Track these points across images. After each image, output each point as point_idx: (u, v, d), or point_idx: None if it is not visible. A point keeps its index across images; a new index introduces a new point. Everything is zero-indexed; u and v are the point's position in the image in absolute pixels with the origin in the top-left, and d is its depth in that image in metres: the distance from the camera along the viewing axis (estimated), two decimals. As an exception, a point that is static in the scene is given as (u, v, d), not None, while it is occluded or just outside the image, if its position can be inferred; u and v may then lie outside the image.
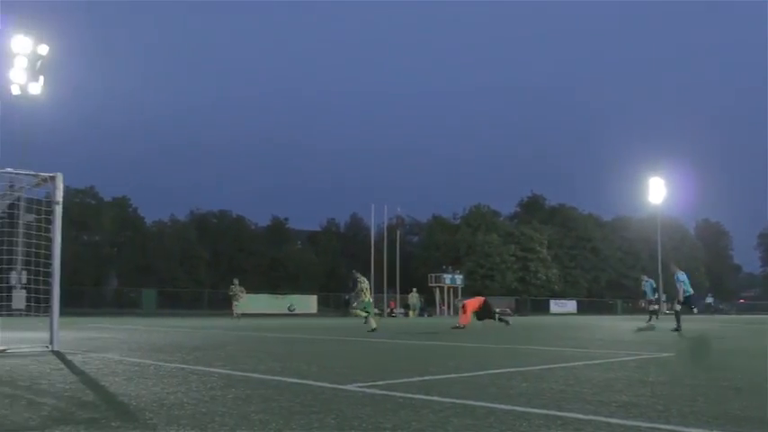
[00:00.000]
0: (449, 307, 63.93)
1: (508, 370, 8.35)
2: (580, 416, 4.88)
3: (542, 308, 78.07)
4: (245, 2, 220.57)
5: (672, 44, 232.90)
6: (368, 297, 22.84)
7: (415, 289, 55.47)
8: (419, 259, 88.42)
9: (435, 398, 5.68)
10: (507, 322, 25.83)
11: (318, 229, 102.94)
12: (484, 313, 25.67)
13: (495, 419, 4.70)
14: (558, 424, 4.58)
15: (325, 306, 64.27)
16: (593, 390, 6.37)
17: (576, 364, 9.52)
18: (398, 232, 70.66)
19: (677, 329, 20.09)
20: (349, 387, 6.41)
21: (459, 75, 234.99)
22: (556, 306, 79.40)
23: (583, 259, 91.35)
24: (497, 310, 29.81)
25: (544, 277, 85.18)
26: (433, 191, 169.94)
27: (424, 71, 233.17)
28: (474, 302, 25.53)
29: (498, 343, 14.86)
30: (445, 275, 65.74)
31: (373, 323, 21.45)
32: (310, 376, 7.39)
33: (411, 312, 52.07)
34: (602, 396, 5.93)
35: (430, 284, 66.27)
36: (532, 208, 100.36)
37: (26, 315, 20.63)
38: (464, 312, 24.21)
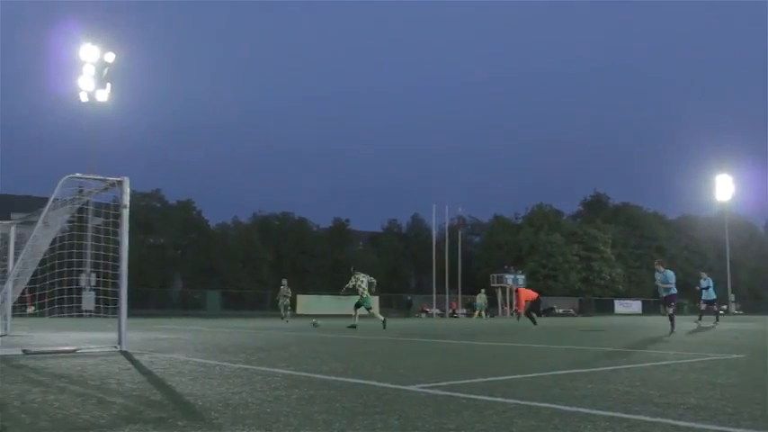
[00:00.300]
0: (511, 307, 63.48)
1: (572, 371, 8.25)
2: (647, 418, 4.79)
3: (607, 308, 77.00)
4: (305, 5, 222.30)
5: (746, 37, 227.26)
6: (366, 294, 23.18)
7: (483, 290, 55.29)
8: (481, 259, 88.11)
9: (499, 399, 5.64)
10: (534, 323, 25.69)
11: (380, 230, 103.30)
12: (533, 307, 26.38)
13: (560, 421, 4.65)
14: (624, 426, 4.50)
15: (388, 307, 64.31)
16: (660, 392, 6.25)
17: (642, 365, 9.37)
18: (460, 232, 70.49)
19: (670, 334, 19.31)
20: (411, 388, 6.41)
21: (521, 69, 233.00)
22: (620, 306, 78.28)
23: (648, 259, 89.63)
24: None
25: (608, 277, 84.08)
26: (494, 191, 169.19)
27: (485, 67, 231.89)
28: (527, 292, 26.11)
29: (561, 343, 14.70)
30: (507, 276, 65.41)
31: (356, 320, 21.93)
32: (373, 377, 7.40)
33: (481, 313, 51.85)
34: (670, 398, 5.81)
35: (492, 285, 65.96)
36: (596, 207, 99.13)
37: (95, 316, 21.14)
38: (518, 299, 24.65)
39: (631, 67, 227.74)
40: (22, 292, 16.81)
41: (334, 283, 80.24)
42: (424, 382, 6.87)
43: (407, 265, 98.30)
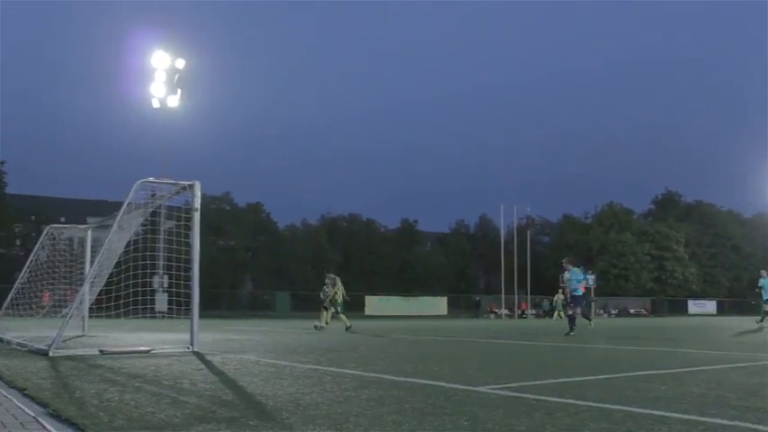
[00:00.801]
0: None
1: (645, 372, 8.10)
2: (724, 421, 4.68)
3: (680, 308, 75.41)
4: (371, 10, 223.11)
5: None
6: (339, 297, 22.94)
7: (560, 290, 54.56)
8: (549, 260, 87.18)
9: (570, 400, 5.57)
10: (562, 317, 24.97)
11: (448, 230, 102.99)
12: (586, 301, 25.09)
13: (633, 423, 4.57)
14: (701, 429, 4.40)
15: (456, 307, 64.15)
16: (738, 394, 6.09)
17: (718, 366, 9.15)
18: (528, 232, 69.75)
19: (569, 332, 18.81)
20: (481, 389, 6.37)
21: (590, 65, 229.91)
22: (694, 306, 76.61)
23: (723, 258, 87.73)
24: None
25: (681, 277, 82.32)
26: (563, 190, 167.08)
27: (552, 64, 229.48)
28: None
29: (633, 344, 14.46)
30: (577, 276, 64.42)
31: (323, 322, 21.80)
32: (442, 378, 7.39)
33: (560, 313, 51.20)
34: (748, 401, 5.66)
35: (560, 285, 65.11)
36: (667, 205, 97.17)
37: (168, 317, 21.55)
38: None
39: (703, 62, 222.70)
40: (99, 294, 17.26)
41: (402, 284, 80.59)
42: (494, 383, 6.83)
43: (475, 266, 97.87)
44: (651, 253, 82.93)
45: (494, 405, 5.38)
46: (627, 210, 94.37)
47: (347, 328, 21.19)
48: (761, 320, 26.88)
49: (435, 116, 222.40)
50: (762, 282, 28.04)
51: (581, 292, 20.67)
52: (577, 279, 20.60)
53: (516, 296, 64.53)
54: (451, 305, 64.77)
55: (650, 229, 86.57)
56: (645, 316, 64.09)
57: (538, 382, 7.02)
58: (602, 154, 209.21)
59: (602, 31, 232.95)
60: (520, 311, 63.51)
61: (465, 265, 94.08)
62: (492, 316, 60.24)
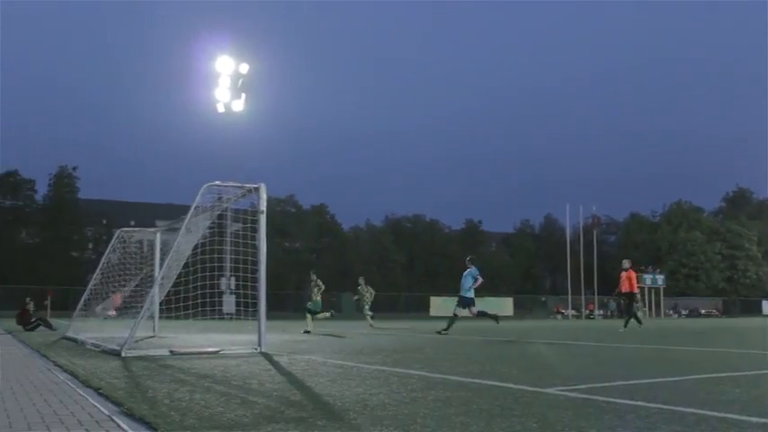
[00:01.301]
0: (650, 308, 61.67)
1: (717, 375, 7.92)
2: (803, 424, 4.55)
3: (753, 309, 73.47)
4: (430, 12, 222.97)
5: None
6: (317, 297, 22.66)
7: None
8: (616, 259, 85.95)
9: (641, 402, 5.47)
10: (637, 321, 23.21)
11: (512, 230, 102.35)
12: (629, 300, 23.98)
13: (707, 426, 4.47)
14: (778, 433, 4.29)
15: (521, 308, 63.63)
16: (816, 396, 5.91)
17: (795, 368, 8.90)
18: (595, 232, 68.76)
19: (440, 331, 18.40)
20: (550, 390, 6.31)
21: (654, 58, 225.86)
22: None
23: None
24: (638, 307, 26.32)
25: (755, 276, 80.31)
26: (630, 188, 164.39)
27: (614, 59, 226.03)
28: (629, 279, 23.83)
29: (703, 345, 14.15)
30: (645, 276, 63.42)
31: (310, 326, 21.49)
32: (510, 379, 7.33)
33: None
34: (827, 403, 5.49)
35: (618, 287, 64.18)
36: (739, 202, 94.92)
37: (236, 318, 21.81)
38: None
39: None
40: (167, 295, 17.58)
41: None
42: (562, 384, 6.75)
43: (541, 266, 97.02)
44: (722, 252, 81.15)
45: (563, 407, 5.32)
46: (696, 208, 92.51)
47: (307, 332, 20.92)
48: None
49: (499, 116, 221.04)
50: None
51: (471, 294, 19.61)
52: (472, 277, 19.72)
53: (583, 296, 63.71)
54: (517, 306, 64.25)
55: (721, 227, 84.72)
56: (716, 317, 62.67)
57: (607, 384, 6.92)
58: (671, 151, 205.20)
59: (664, 26, 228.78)
60: (587, 312, 62.69)
61: (530, 266, 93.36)
62: (559, 316, 59.60)
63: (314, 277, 23.34)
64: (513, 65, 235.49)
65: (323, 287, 23.14)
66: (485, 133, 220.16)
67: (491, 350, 12.86)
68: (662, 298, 64.28)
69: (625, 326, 22.70)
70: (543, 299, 66.52)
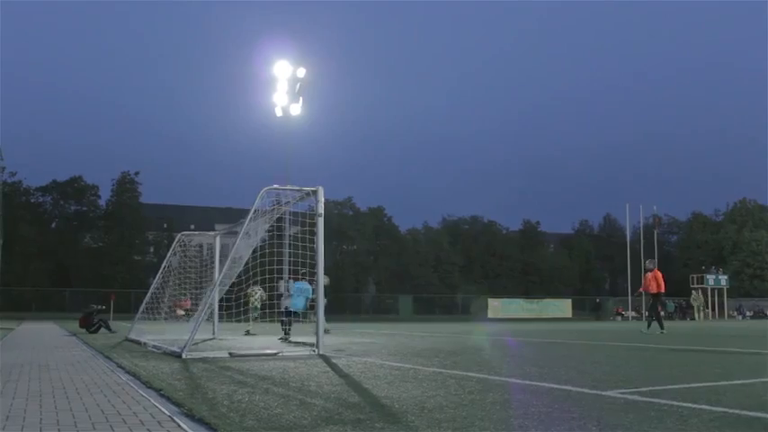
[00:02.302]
0: (713, 310, 60.42)
1: (785, 377, 7.73)
2: None
3: (821, 312, 71.45)
4: (496, 12, 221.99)
5: None
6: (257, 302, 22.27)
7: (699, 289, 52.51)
8: (679, 260, 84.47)
9: (704, 406, 5.36)
10: (660, 326, 21.07)
11: (571, 231, 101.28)
12: (653, 301, 22.27)
13: (774, 431, 4.36)
14: None
15: (581, 310, 62.93)
16: None
17: None
18: (656, 232, 67.62)
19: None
20: (610, 393, 6.22)
21: (713, 57, 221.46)
22: (838, 310, 72.42)
23: None
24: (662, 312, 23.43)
25: (820, 277, 78.07)
26: (692, 187, 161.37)
27: (673, 61, 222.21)
28: (655, 280, 22.42)
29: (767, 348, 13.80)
30: (708, 276, 62.21)
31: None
32: (569, 381, 7.25)
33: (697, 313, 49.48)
34: None
35: (691, 286, 63.10)
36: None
37: (294, 321, 21.88)
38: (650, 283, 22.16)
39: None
40: (227, 300, 17.78)
41: (525, 287, 79.66)
42: (623, 387, 6.65)
43: (600, 267, 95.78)
44: (789, 251, 79.16)
45: (623, 410, 5.24)
46: (762, 206, 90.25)
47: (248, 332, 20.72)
48: None
49: (556, 116, 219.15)
50: None
51: (300, 306, 17.56)
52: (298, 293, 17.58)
53: (643, 298, 62.66)
54: (576, 307, 63.56)
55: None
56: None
57: (669, 387, 6.79)
58: (734, 148, 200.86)
59: (725, 24, 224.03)
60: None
61: (590, 267, 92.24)
62: (619, 318, 58.78)
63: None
64: (571, 64, 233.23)
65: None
66: (542, 134, 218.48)
67: (549, 352, 12.73)
68: (725, 299, 62.93)
69: (648, 326, 22.19)
70: (597, 300, 65.44)
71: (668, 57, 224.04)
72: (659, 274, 22.57)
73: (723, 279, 63.12)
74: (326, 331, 22.00)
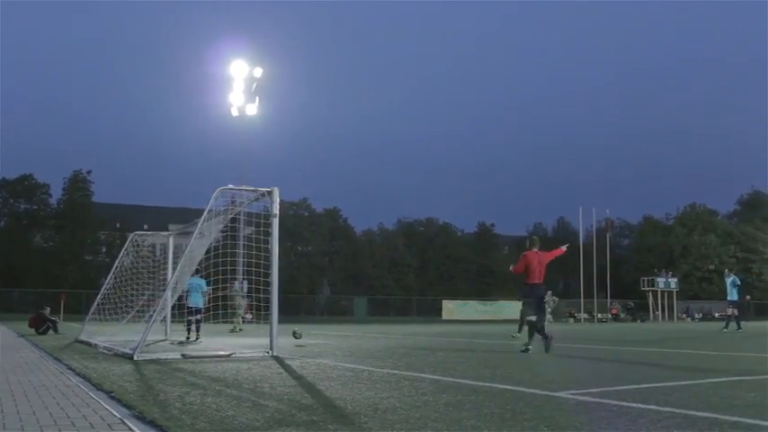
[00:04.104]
0: (663, 311, 61.44)
1: (731, 378, 7.88)
2: (817, 429, 4.51)
3: (767, 313, 72.98)
4: (446, 16, 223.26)
5: None
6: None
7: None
8: (630, 263, 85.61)
9: (653, 406, 5.45)
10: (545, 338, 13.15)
11: (525, 233, 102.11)
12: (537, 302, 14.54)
13: (720, 431, 4.44)
14: (793, 437, 4.25)
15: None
16: (832, 401, 5.86)
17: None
18: (608, 235, 68.49)
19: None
20: (561, 394, 6.29)
21: (665, 63, 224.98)
22: (783, 311, 73.99)
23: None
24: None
25: (769, 279, 79.66)
26: (643, 191, 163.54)
27: (625, 65, 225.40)
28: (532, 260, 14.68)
29: (717, 349, 14.07)
30: (658, 279, 63.24)
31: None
32: (521, 383, 7.32)
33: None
34: (842, 408, 5.44)
35: (642, 289, 64.05)
36: (754, 205, 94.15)
37: (248, 322, 21.78)
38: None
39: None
40: (180, 299, 17.62)
41: (480, 288, 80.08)
42: (574, 388, 6.73)
43: (554, 270, 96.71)
44: (737, 255, 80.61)
45: (574, 411, 5.30)
46: (710, 210, 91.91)
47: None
48: (725, 327, 24.51)
49: (512, 119, 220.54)
50: (728, 281, 25.83)
51: (199, 303, 17.60)
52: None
53: (596, 300, 63.47)
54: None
55: (735, 230, 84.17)
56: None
57: (619, 388, 6.89)
58: (685, 154, 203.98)
59: (675, 27, 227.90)
60: (612, 315, 62.51)
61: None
62: (571, 320, 59.41)
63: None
64: (525, 69, 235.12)
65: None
66: (497, 137, 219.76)
67: (502, 354, 12.82)
68: (675, 301, 63.98)
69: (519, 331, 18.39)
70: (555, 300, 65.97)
71: (621, 61, 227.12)
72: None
73: (673, 282, 64.15)
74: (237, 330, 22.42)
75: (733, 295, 25.07)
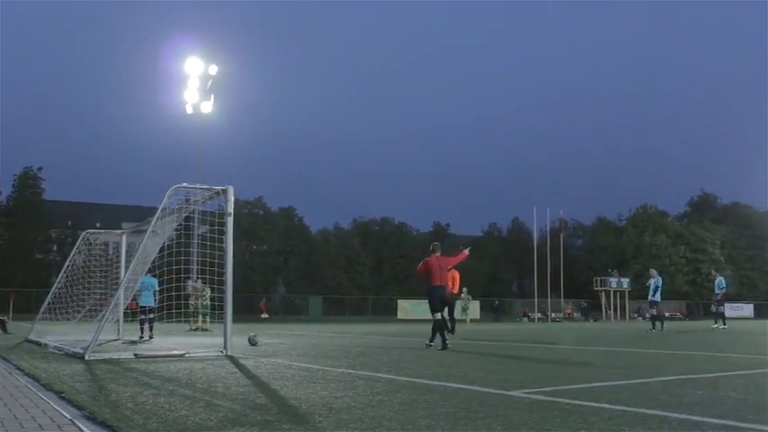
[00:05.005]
0: (615, 311, 62.28)
1: (680, 377, 8.01)
2: (763, 427, 4.60)
3: (716, 312, 74.31)
4: (413, 17, 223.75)
5: None
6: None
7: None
8: (583, 263, 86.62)
9: (605, 405, 5.52)
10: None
11: (480, 233, 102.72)
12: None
13: (669, 429, 4.52)
14: (739, 435, 4.34)
15: (488, 311, 63.85)
16: (777, 399, 5.99)
17: (756, 371, 9.02)
18: (562, 236, 69.22)
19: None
20: (515, 393, 6.34)
21: (618, 69, 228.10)
22: (730, 310, 75.05)
23: (760, 260, 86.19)
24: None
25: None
26: (596, 192, 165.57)
27: (579, 68, 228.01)
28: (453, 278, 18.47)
29: (667, 348, 14.30)
30: (611, 279, 64.14)
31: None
32: (475, 382, 7.37)
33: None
34: (787, 405, 5.57)
35: (595, 288, 64.83)
36: (703, 207, 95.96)
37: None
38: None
39: (743, 57, 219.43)
40: (132, 299, 17.43)
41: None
42: (528, 387, 6.80)
43: (508, 269, 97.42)
44: (686, 256, 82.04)
45: (528, 410, 5.35)
46: (661, 212, 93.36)
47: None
48: (652, 329, 23.98)
49: (467, 121, 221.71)
50: (651, 282, 25.81)
51: (151, 301, 18.03)
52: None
53: (549, 300, 64.11)
54: (484, 309, 64.39)
55: (685, 231, 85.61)
56: (680, 319, 63.33)
57: (572, 387, 6.97)
58: (636, 156, 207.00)
59: (630, 32, 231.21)
60: (566, 315, 63.18)
61: (498, 269, 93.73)
62: (525, 320, 59.95)
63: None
64: (481, 70, 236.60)
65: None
66: (453, 137, 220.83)
67: (457, 353, 12.89)
68: (627, 301, 64.89)
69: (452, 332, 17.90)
70: (496, 303, 66.32)
71: (574, 63, 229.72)
72: (456, 275, 19.31)
73: (625, 282, 65.05)
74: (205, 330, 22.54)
75: (655, 296, 25.31)
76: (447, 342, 13.79)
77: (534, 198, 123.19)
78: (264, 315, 55.67)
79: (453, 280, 18.55)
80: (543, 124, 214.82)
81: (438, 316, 14.02)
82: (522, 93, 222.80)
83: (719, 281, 27.95)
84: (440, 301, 14.23)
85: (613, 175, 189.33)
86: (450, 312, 17.67)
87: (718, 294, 27.68)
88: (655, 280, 25.46)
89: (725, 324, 26.66)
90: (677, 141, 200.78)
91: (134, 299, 17.75)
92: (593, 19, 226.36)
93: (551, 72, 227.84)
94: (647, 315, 24.67)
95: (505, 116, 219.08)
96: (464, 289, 26.97)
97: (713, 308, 28.02)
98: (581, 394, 6.24)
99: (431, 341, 14.22)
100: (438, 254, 14.60)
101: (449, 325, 16.78)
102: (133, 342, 15.77)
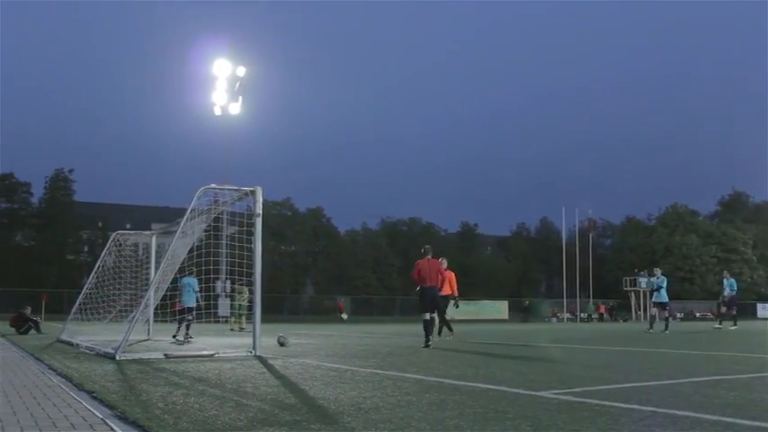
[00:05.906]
0: (645, 311, 61.78)
1: (712, 378, 7.92)
2: (796, 428, 4.54)
3: (748, 312, 73.43)
4: (428, 17, 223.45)
5: None
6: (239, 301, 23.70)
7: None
8: (612, 263, 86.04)
9: (635, 406, 5.47)
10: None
11: (508, 233, 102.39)
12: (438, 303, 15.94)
13: (701, 430, 4.47)
14: (772, 436, 4.28)
15: (517, 311, 63.66)
16: (810, 400, 5.91)
17: (789, 371, 8.90)
18: (590, 235, 68.79)
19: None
20: (544, 393, 6.30)
21: (651, 65, 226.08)
22: (763, 310, 74.52)
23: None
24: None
25: (749, 279, 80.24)
26: (626, 192, 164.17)
27: (609, 67, 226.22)
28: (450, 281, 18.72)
29: (698, 349, 14.16)
30: (640, 279, 63.60)
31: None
32: (504, 382, 7.34)
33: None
34: (821, 406, 5.49)
35: (624, 288, 64.34)
36: (735, 206, 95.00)
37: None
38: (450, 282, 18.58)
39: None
40: (163, 299, 17.55)
41: (463, 288, 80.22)
42: (557, 387, 6.75)
43: (537, 269, 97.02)
44: (717, 255, 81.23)
45: (557, 410, 5.32)
46: (692, 211, 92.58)
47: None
48: (649, 329, 23.87)
49: (495, 120, 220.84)
50: (654, 282, 25.75)
51: (193, 302, 18.11)
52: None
53: (578, 300, 63.78)
54: (512, 309, 64.23)
55: (716, 230, 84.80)
56: (711, 320, 62.67)
57: (602, 387, 6.92)
58: (667, 154, 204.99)
59: (662, 31, 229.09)
60: (598, 315, 62.72)
61: (526, 269, 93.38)
62: (554, 320, 59.66)
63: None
64: (509, 70, 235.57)
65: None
66: (481, 137, 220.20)
67: (486, 353, 12.84)
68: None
69: (439, 334, 17.79)
70: (526, 302, 65.99)
71: (606, 62, 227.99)
72: (452, 276, 19.21)
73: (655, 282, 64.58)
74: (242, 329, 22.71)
75: (662, 297, 24.95)
76: (430, 342, 14.35)
77: (563, 198, 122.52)
78: (344, 315, 55.76)
79: (449, 282, 18.84)
80: (572, 123, 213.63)
81: (426, 316, 14.78)
82: (551, 91, 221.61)
83: (731, 282, 27.75)
84: (429, 301, 14.96)
85: (643, 175, 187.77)
86: (441, 313, 17.44)
87: (726, 296, 27.55)
88: (659, 280, 25.16)
89: (735, 324, 26.56)
90: (708, 139, 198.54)
91: (178, 299, 17.91)
92: (621, 12, 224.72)
93: (580, 69, 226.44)
94: (667, 315, 24.11)
95: (534, 115, 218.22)
96: None
97: (722, 309, 27.84)
98: (610, 395, 6.19)
99: (427, 342, 14.46)
100: (429, 256, 15.28)
101: (438, 326, 17.45)
102: (179, 341, 16.18)
